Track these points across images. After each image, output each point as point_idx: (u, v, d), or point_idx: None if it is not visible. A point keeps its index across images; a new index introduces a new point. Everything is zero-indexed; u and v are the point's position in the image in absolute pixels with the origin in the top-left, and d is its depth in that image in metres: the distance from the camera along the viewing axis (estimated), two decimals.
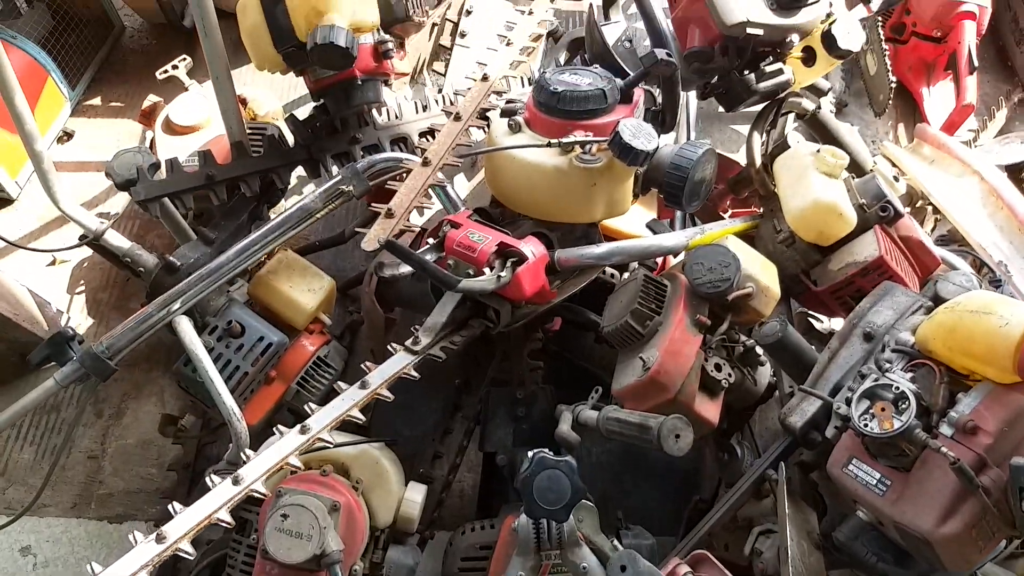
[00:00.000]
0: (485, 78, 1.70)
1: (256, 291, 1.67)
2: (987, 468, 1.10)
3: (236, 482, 1.33)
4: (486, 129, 1.68)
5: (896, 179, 2.15)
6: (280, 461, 1.31)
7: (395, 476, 1.59)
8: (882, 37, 2.59)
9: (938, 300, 1.36)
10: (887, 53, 2.56)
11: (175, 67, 2.05)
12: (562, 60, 2.36)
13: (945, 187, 2.19)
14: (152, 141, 2.00)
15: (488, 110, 1.67)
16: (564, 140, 1.55)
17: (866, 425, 1.17)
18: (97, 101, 2.58)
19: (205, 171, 1.67)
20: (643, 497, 1.99)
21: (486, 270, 1.51)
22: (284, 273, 1.66)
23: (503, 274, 1.50)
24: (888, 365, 1.24)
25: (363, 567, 1.53)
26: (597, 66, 1.70)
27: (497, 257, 1.53)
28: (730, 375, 1.56)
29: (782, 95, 1.92)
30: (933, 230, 2.30)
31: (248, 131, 1.89)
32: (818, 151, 1.72)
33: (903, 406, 1.15)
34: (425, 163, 1.54)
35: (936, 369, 1.20)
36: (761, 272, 1.61)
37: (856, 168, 2.04)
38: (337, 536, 1.42)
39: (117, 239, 1.82)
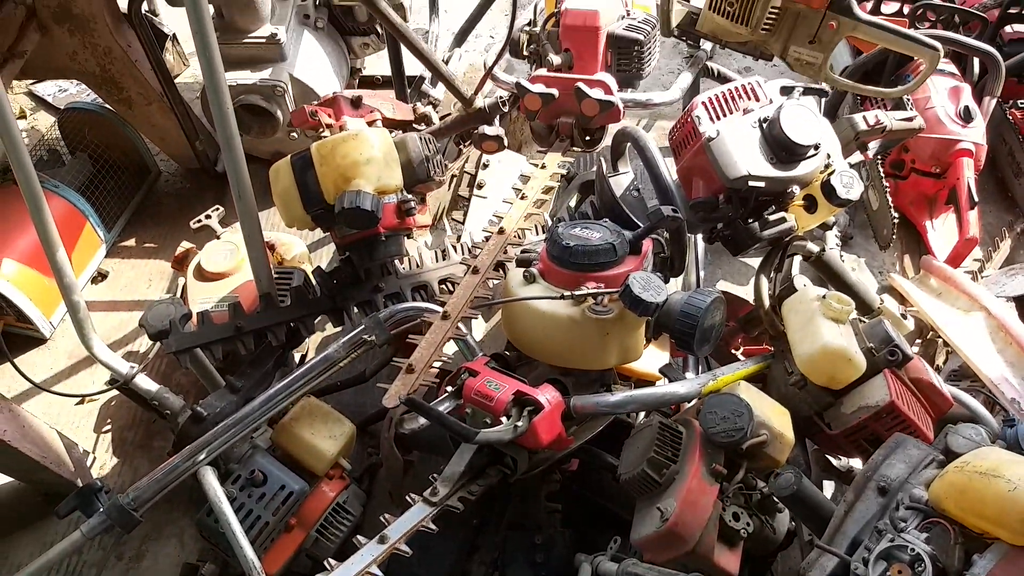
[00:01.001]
0: (501, 231, 1.79)
1: (279, 438, 1.71)
2: None
3: None
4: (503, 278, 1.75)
5: (904, 316, 2.20)
6: None
7: None
8: (882, 174, 2.70)
9: (949, 453, 1.37)
10: (888, 189, 2.66)
11: (208, 216, 2.17)
12: (573, 202, 2.47)
13: (953, 321, 2.24)
14: (184, 287, 2.10)
15: (503, 263, 1.75)
16: (577, 292, 1.62)
17: None
18: (132, 243, 2.72)
19: (234, 322, 1.75)
20: None
21: (503, 419, 1.55)
22: (306, 420, 1.71)
23: (520, 423, 1.53)
24: (903, 524, 1.25)
25: None
26: (607, 220, 1.79)
27: (514, 406, 1.57)
28: (748, 524, 1.56)
29: (787, 240, 2.00)
30: (945, 363, 2.32)
31: (275, 275, 1.98)
32: (824, 297, 1.78)
33: (919, 568, 1.16)
34: (444, 316, 1.60)
35: (951, 528, 1.20)
36: (774, 418, 1.64)
37: (863, 306, 2.09)
38: None
39: (146, 383, 1.89)
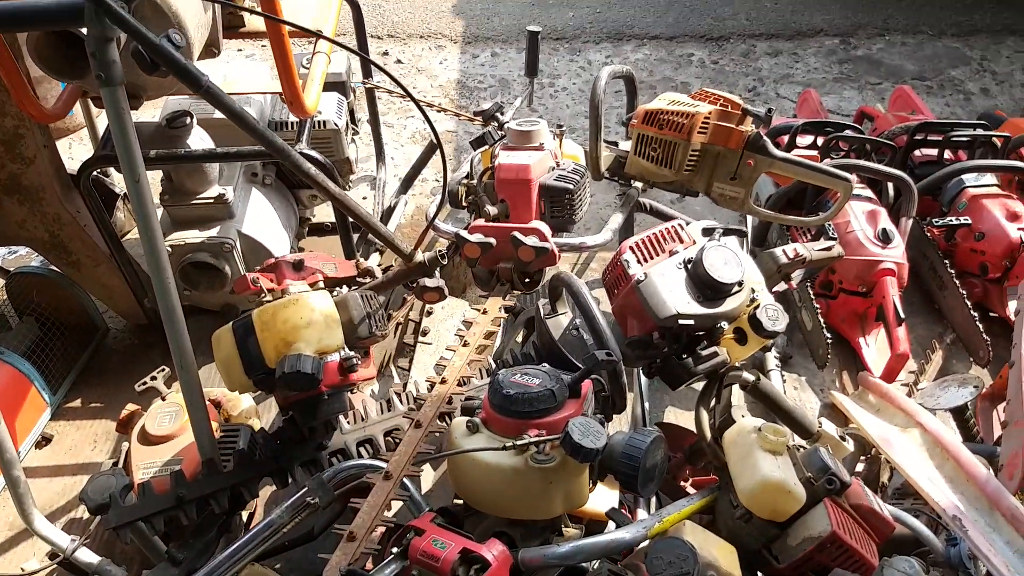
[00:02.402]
0: (443, 381, 1.83)
1: None
2: None
3: None
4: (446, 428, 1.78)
5: (843, 438, 2.25)
6: None
7: None
8: (812, 295, 2.83)
9: None
10: (819, 310, 2.78)
11: (153, 378, 2.18)
12: (519, 338, 2.54)
13: (893, 438, 2.30)
14: (128, 451, 2.07)
15: (447, 414, 1.78)
16: (519, 442, 1.65)
17: None
18: (78, 403, 2.69)
19: (176, 491, 1.73)
20: None
21: None
22: None
23: None
24: None
25: None
26: (546, 364, 1.84)
27: (460, 564, 1.56)
28: None
29: (723, 370, 2.08)
30: (890, 479, 2.37)
31: (221, 434, 1.98)
32: (759, 429, 1.83)
33: None
34: (387, 476, 1.61)
35: None
36: (721, 558, 1.65)
37: (802, 431, 2.15)
38: None
39: (87, 556, 1.84)
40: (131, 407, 2.19)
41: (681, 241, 2.10)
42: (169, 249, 2.55)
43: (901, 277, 2.79)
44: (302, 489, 1.71)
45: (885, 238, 2.80)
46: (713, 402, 2.09)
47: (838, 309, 2.90)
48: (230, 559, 1.60)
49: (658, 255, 2.08)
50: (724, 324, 2.00)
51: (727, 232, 2.15)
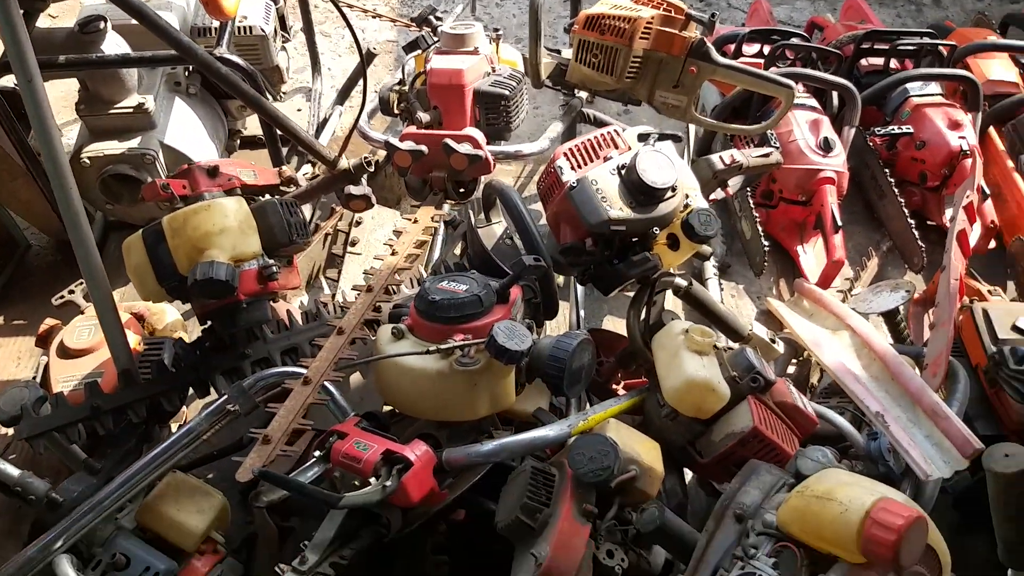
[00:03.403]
0: (369, 289, 1.79)
1: (143, 518, 1.64)
2: None
3: None
4: (371, 337, 1.75)
5: (774, 340, 2.29)
6: None
7: None
8: (752, 204, 2.83)
9: (799, 477, 1.42)
10: (758, 219, 2.78)
11: (71, 291, 2.11)
12: (458, 250, 2.50)
13: (822, 340, 2.33)
14: (47, 365, 2.02)
15: (373, 321, 1.75)
16: (442, 346, 1.63)
17: None
18: (0, 320, 2.60)
19: (91, 402, 1.69)
20: None
21: (372, 479, 1.54)
22: (171, 496, 1.64)
23: (388, 483, 1.52)
24: (754, 551, 1.28)
25: None
26: (474, 271, 1.81)
27: (383, 465, 1.56)
28: (623, 560, 1.58)
29: (655, 276, 2.07)
30: (819, 381, 2.42)
31: (145, 347, 1.93)
32: (687, 331, 1.83)
33: None
34: (306, 382, 1.59)
35: (797, 552, 1.25)
36: (643, 453, 1.67)
37: (734, 334, 2.17)
38: None
39: (7, 468, 1.80)
40: (50, 322, 2.12)
41: (616, 147, 2.06)
42: (87, 161, 2.45)
43: (840, 186, 2.79)
44: (221, 397, 1.67)
45: (826, 147, 2.79)
46: (645, 309, 2.09)
47: (778, 218, 2.91)
48: (148, 465, 1.58)
49: (592, 161, 2.03)
50: (657, 229, 1.97)
51: (662, 137, 2.11)
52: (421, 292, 1.72)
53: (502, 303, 1.77)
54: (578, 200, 1.94)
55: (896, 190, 2.91)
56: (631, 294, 2.06)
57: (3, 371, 2.43)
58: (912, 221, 2.82)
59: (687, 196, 2.02)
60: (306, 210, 2.19)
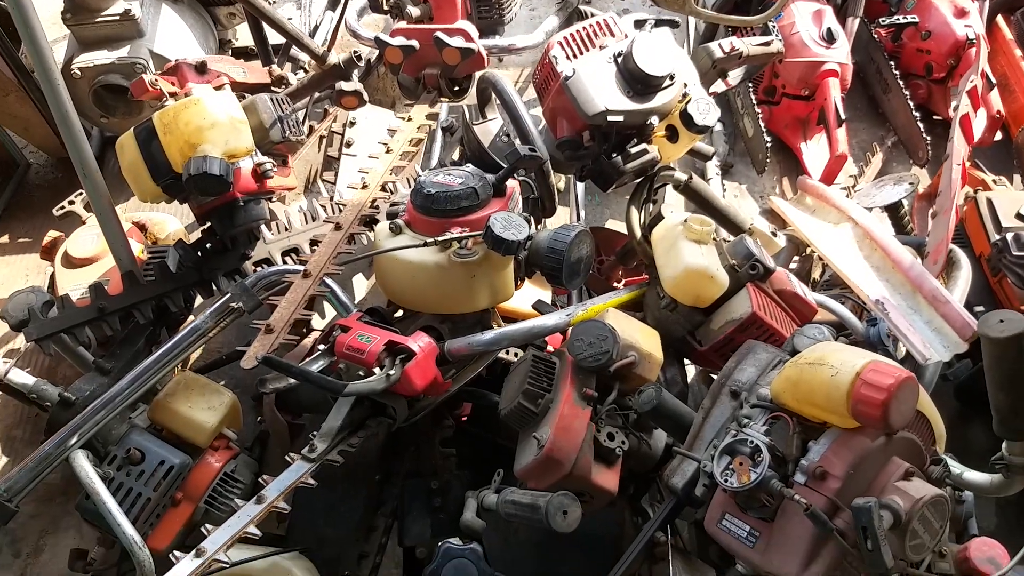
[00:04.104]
0: (365, 187, 1.79)
1: (156, 415, 1.69)
2: (840, 511, 1.16)
3: None
4: (369, 234, 1.75)
5: (775, 234, 2.28)
6: None
7: None
8: (754, 101, 2.77)
9: (795, 354, 1.44)
10: (760, 115, 2.74)
11: (71, 202, 2.11)
12: (456, 155, 2.48)
13: (824, 234, 2.32)
14: (53, 276, 2.04)
15: (370, 218, 1.75)
16: (440, 238, 1.63)
17: (726, 480, 1.23)
18: (5, 239, 2.62)
19: (97, 304, 1.71)
20: (572, 568, 2.00)
21: (376, 370, 1.57)
22: (182, 394, 1.69)
23: (392, 372, 1.55)
24: (747, 421, 1.31)
25: None
26: (469, 165, 1.80)
27: (387, 355, 1.59)
28: (624, 443, 1.61)
29: (654, 171, 2.05)
30: (821, 275, 2.42)
31: (149, 254, 1.94)
32: (686, 221, 1.83)
33: (758, 459, 1.22)
34: (306, 275, 1.60)
35: (790, 420, 1.27)
36: (642, 340, 1.69)
37: (735, 228, 2.17)
38: None
39: (21, 377, 1.84)
40: (53, 234, 2.13)
41: (612, 34, 2.00)
42: (78, 72, 2.41)
43: (844, 78, 2.73)
44: (225, 295, 1.69)
45: (829, 38, 2.72)
46: (645, 204, 2.08)
47: (781, 115, 2.86)
48: (156, 363, 1.61)
49: (588, 50, 1.98)
50: (655, 120, 1.94)
51: (659, 24, 2.06)
52: (417, 186, 1.71)
53: (499, 196, 1.76)
54: (574, 91, 1.90)
55: (901, 83, 2.85)
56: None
57: (13, 287, 2.46)
58: (917, 114, 2.77)
59: (685, 86, 1.98)
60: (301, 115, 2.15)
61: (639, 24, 2.02)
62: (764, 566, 1.22)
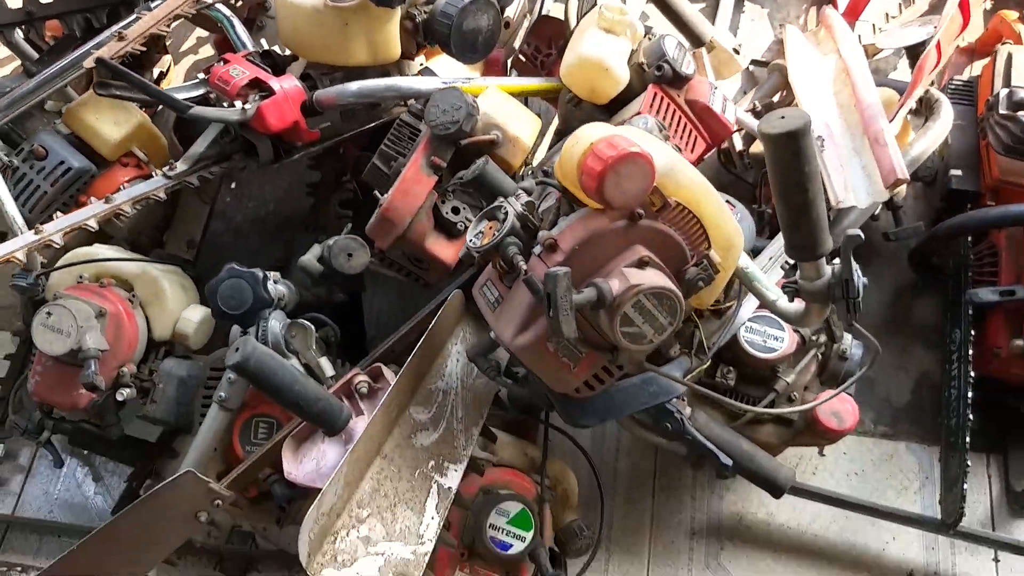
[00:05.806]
0: None
1: (68, 121, 1.82)
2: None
3: None
4: None
5: (736, 51, 2.08)
6: (5, 255, 1.48)
7: (174, 295, 1.75)
8: None
9: None
10: None
11: None
12: None
13: (806, 64, 2.10)
14: None
15: None
16: None
17: (473, 242, 1.23)
18: None
19: (27, 8, 1.83)
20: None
21: (237, 103, 1.62)
22: (93, 105, 1.79)
23: (247, 106, 1.60)
24: (521, 192, 1.28)
25: (133, 371, 1.71)
26: None
27: (250, 90, 1.63)
28: (467, 220, 1.62)
29: None
30: None
31: None
32: (601, 7, 1.70)
33: (504, 225, 1.20)
34: None
35: (559, 197, 1.23)
36: (513, 122, 1.63)
37: (693, 38, 1.99)
38: (100, 337, 1.60)
39: None
40: None
41: None
42: None
43: None
44: None
45: None
46: None
47: None
48: (63, 68, 1.73)
49: None
50: None
51: None
52: None
53: None
54: None
55: None
56: None
57: None
58: None
59: None
60: None
61: None
62: (494, 329, 1.24)
